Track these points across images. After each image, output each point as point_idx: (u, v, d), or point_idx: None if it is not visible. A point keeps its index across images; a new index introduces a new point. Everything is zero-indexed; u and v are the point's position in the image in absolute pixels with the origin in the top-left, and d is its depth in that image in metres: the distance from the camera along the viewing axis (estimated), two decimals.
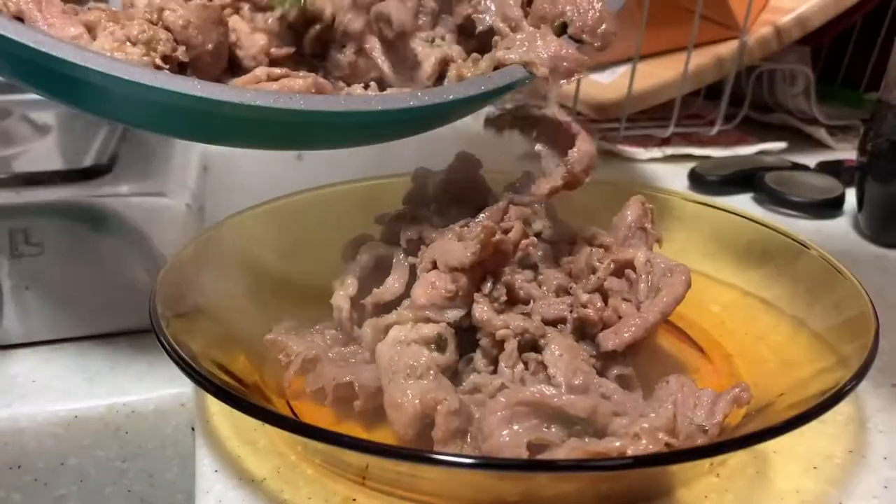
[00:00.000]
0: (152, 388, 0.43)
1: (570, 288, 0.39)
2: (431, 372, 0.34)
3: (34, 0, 0.35)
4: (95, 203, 0.50)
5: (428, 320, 0.36)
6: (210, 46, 0.38)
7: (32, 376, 0.44)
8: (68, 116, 0.73)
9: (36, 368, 0.45)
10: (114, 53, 0.35)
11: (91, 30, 0.36)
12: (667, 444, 0.30)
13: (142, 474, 0.44)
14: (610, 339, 0.36)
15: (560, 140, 0.41)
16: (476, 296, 0.37)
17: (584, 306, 0.37)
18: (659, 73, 0.75)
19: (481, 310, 0.36)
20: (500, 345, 0.36)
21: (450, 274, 0.37)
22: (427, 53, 0.40)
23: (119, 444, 0.43)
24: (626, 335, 0.36)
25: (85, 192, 0.51)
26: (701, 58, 0.74)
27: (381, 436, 0.36)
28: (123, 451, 0.43)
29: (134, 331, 0.48)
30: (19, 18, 0.35)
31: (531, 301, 0.38)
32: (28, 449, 0.42)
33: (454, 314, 0.37)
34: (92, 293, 0.47)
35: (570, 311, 0.37)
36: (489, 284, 0.37)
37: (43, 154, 0.63)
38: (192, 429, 0.43)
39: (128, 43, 0.36)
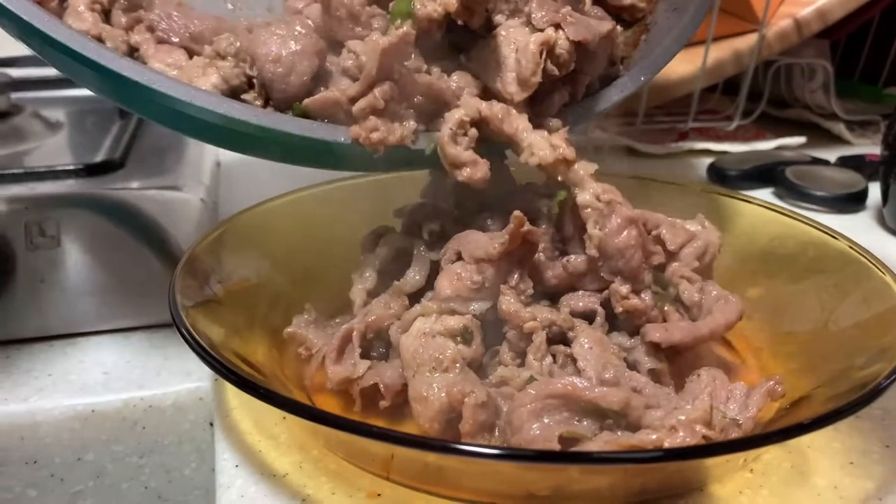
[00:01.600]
0: (169, 382, 0.43)
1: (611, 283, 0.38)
2: (457, 365, 0.34)
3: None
4: (110, 195, 0.50)
5: (453, 312, 0.36)
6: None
7: (49, 370, 0.43)
8: (79, 113, 0.72)
9: (52, 362, 0.44)
10: (206, 69, 0.38)
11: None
12: (704, 437, 0.29)
13: (159, 470, 0.43)
14: (658, 332, 0.35)
15: None
16: (502, 287, 0.36)
17: (627, 297, 0.36)
18: (676, 68, 0.74)
19: (508, 302, 0.36)
20: (527, 337, 0.35)
21: (476, 265, 0.36)
22: None
23: (136, 439, 0.42)
24: (676, 334, 0.35)
25: (100, 186, 0.51)
26: (719, 52, 0.73)
27: (405, 430, 0.35)
28: (141, 447, 0.42)
29: (150, 325, 0.47)
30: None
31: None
32: (44, 444, 0.41)
33: (480, 306, 0.36)
34: (107, 287, 0.46)
35: (600, 304, 0.36)
36: (516, 276, 0.36)
37: (55, 150, 0.62)
38: (211, 424, 0.42)
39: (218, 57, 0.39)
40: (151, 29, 0.40)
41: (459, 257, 0.37)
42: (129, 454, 0.42)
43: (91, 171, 0.54)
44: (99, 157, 0.56)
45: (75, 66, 0.36)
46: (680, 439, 0.29)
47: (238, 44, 0.38)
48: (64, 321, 0.46)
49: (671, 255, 0.40)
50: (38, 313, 0.45)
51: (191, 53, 0.40)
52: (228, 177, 0.71)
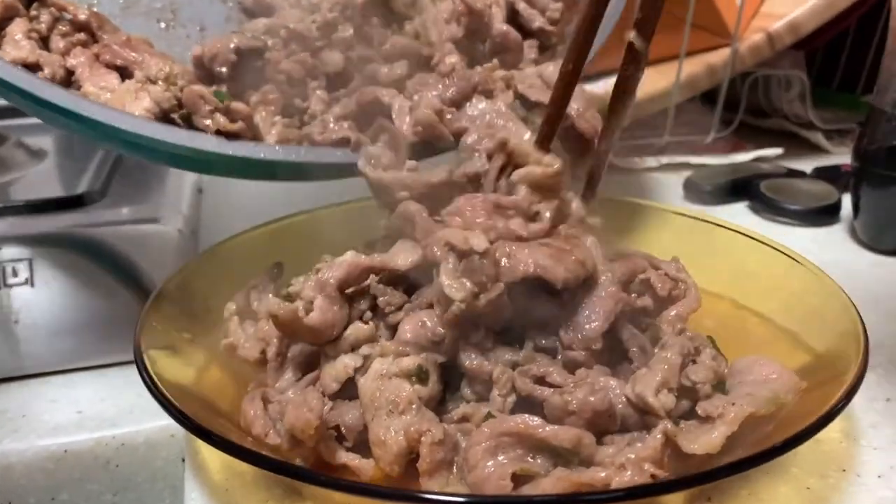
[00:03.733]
0: (142, 420, 0.43)
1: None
2: (413, 406, 0.34)
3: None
4: (86, 233, 0.50)
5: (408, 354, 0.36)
6: None
7: (22, 411, 0.44)
8: (64, 140, 0.73)
9: (26, 403, 0.45)
10: (138, 93, 0.41)
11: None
12: (652, 476, 0.29)
13: None
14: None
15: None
16: (463, 345, 0.36)
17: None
18: (651, 82, 0.75)
19: (470, 359, 0.36)
20: (489, 383, 0.36)
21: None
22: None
23: (110, 477, 0.43)
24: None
25: (77, 220, 0.51)
26: (693, 66, 0.73)
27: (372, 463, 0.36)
28: (114, 485, 0.43)
29: (125, 362, 0.47)
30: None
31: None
32: (18, 485, 0.42)
33: (433, 357, 0.36)
34: (82, 325, 0.47)
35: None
36: (479, 334, 0.37)
37: (38, 181, 0.63)
38: (183, 460, 0.42)
39: (148, 82, 0.42)
40: (96, 56, 0.43)
41: (431, 305, 0.38)
42: (103, 492, 0.43)
43: (71, 203, 0.55)
44: (81, 188, 0.57)
45: (16, 97, 0.39)
46: (628, 478, 0.29)
47: (167, 68, 0.41)
48: (38, 360, 0.46)
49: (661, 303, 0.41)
50: (12, 354, 0.46)
51: (123, 77, 0.43)
52: (211, 202, 0.72)
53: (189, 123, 0.42)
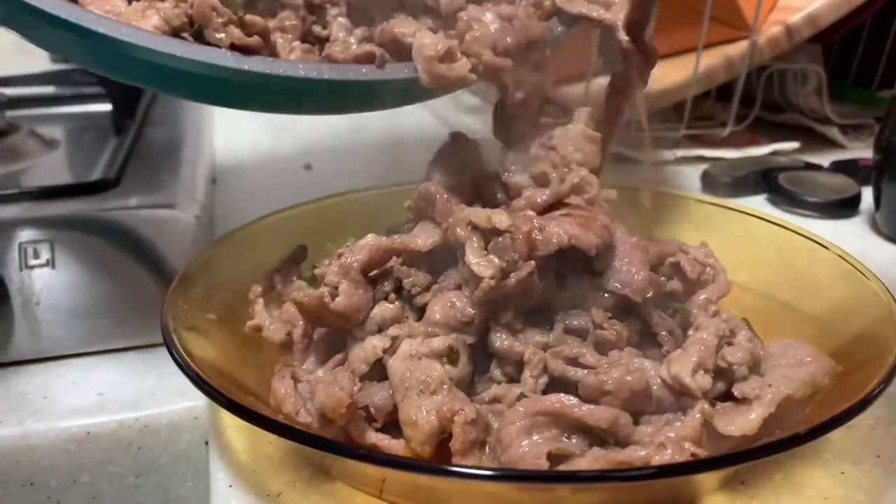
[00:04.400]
0: (164, 402, 0.43)
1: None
2: (445, 386, 0.34)
3: None
4: (105, 216, 0.50)
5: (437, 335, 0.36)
6: None
7: (44, 393, 0.44)
8: (77, 130, 0.73)
9: (47, 385, 0.44)
10: (146, 12, 0.37)
11: None
12: (692, 454, 0.29)
13: (156, 490, 0.43)
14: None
15: None
16: (492, 325, 0.36)
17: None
18: (668, 75, 0.75)
19: (500, 339, 0.36)
20: (520, 364, 0.36)
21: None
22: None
23: (132, 459, 0.42)
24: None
25: (93, 205, 0.51)
26: (711, 59, 0.73)
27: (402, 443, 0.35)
28: (137, 467, 0.43)
29: (145, 345, 0.47)
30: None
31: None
32: (40, 466, 0.41)
33: (463, 338, 0.36)
34: (102, 307, 0.47)
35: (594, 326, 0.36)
36: (508, 315, 0.36)
37: (51, 168, 0.63)
38: (206, 443, 0.42)
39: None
40: None
41: (459, 287, 0.37)
42: (125, 475, 0.42)
43: (85, 190, 0.54)
44: (94, 176, 0.57)
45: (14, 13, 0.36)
46: (668, 456, 0.29)
47: None
48: (59, 343, 0.46)
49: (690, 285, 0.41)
50: (33, 336, 0.45)
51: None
52: (224, 192, 0.71)
53: (201, 41, 0.38)
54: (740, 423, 0.32)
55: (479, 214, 0.35)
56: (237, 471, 0.36)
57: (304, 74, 0.38)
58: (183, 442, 0.43)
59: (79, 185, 0.56)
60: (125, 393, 0.44)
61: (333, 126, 0.87)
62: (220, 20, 0.37)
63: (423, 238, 0.39)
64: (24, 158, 0.64)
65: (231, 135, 0.88)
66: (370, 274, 0.39)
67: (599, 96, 0.45)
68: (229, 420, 0.39)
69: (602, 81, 0.78)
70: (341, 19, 0.43)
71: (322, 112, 0.43)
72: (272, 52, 0.40)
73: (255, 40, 0.38)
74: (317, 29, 0.43)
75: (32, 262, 0.46)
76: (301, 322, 0.39)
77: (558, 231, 0.34)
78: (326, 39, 0.43)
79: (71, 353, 0.46)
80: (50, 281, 0.46)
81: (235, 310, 0.42)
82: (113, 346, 0.47)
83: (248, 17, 0.38)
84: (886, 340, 0.35)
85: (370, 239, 0.39)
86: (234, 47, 0.37)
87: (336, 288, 0.37)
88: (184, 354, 0.34)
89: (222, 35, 0.37)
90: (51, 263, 0.46)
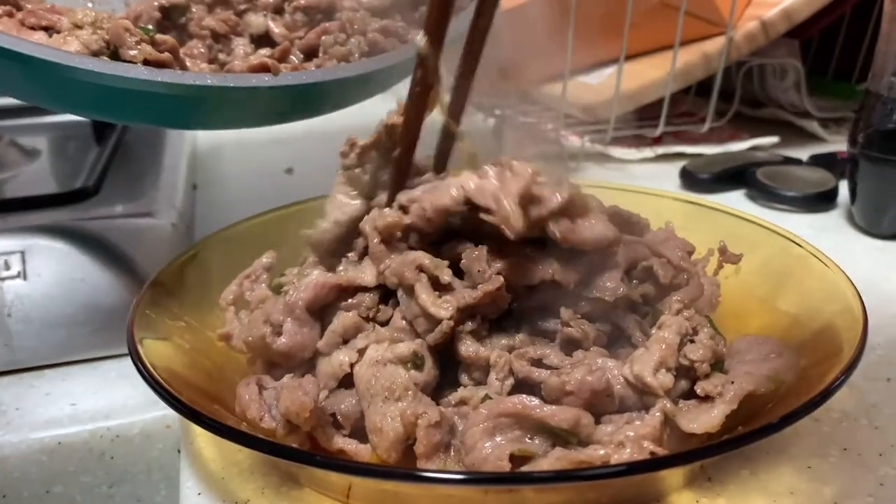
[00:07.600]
0: (137, 411, 0.43)
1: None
2: (409, 392, 0.34)
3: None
4: (79, 226, 0.50)
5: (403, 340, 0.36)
6: None
7: (16, 404, 0.44)
8: (59, 139, 0.73)
9: (19, 396, 0.44)
10: (66, 39, 0.41)
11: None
12: (651, 453, 0.29)
13: (129, 499, 0.43)
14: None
15: None
16: (458, 332, 0.35)
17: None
18: (646, 73, 0.75)
19: (467, 346, 0.35)
20: (487, 369, 0.36)
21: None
22: None
23: (105, 469, 0.42)
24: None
25: (71, 215, 0.51)
26: (688, 55, 0.73)
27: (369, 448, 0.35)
28: (110, 477, 0.43)
29: (119, 354, 0.47)
30: None
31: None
32: (12, 478, 0.41)
33: (431, 339, 0.36)
34: (76, 317, 0.46)
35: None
36: (475, 322, 0.36)
37: (32, 179, 0.63)
38: (178, 451, 0.42)
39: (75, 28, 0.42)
40: (21, 22, 0.43)
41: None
42: (98, 484, 0.42)
43: (63, 199, 0.55)
44: (76, 185, 0.57)
45: None
46: (627, 455, 0.29)
47: (94, 14, 0.42)
48: (32, 354, 0.46)
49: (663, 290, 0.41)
50: (6, 347, 0.45)
51: (51, 35, 0.43)
52: (206, 198, 0.71)
53: (117, 59, 0.42)
54: (703, 420, 0.32)
55: (423, 258, 0.36)
56: (207, 478, 0.36)
57: (210, 83, 0.41)
58: (156, 450, 0.43)
59: (56, 196, 0.56)
60: (98, 402, 0.44)
61: (315, 130, 0.87)
62: (132, 39, 0.41)
63: (370, 273, 0.38)
64: (4, 169, 0.65)
65: (213, 140, 0.88)
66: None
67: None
68: (199, 428, 0.39)
69: (581, 80, 0.79)
70: (244, 46, 0.48)
71: (226, 126, 0.48)
72: (182, 67, 0.44)
73: (166, 56, 0.42)
74: (222, 56, 0.48)
75: (3, 273, 0.46)
76: None
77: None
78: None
79: (43, 364, 0.46)
80: (21, 292, 0.46)
81: (206, 317, 0.42)
82: (87, 356, 0.47)
83: (159, 35, 0.42)
84: (847, 334, 0.35)
85: (316, 276, 0.38)
86: (147, 63, 0.41)
87: (281, 326, 0.37)
88: (146, 363, 0.34)
89: (135, 52, 0.41)
90: (22, 275, 0.46)
